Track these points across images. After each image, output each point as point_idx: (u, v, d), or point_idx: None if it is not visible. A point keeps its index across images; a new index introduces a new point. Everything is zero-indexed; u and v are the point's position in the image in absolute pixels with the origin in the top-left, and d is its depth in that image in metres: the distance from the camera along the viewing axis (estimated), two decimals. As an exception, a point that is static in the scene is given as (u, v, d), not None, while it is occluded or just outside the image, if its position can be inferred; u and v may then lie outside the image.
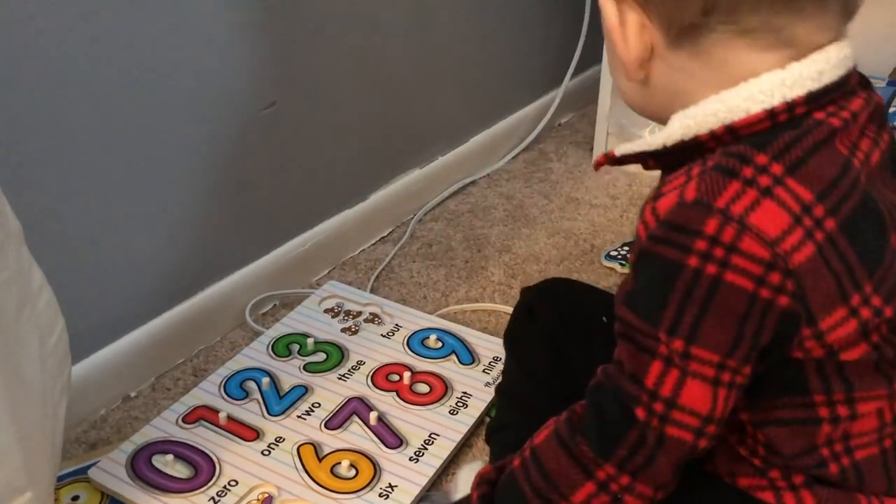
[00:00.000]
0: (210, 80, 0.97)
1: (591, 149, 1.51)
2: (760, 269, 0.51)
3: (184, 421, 0.89)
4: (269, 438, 0.87)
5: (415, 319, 1.05)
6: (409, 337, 1.02)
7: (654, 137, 0.58)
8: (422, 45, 1.27)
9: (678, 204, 0.53)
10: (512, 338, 0.89)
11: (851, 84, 0.56)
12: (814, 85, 0.53)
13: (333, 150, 1.17)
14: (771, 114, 0.53)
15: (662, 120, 0.60)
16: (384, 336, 1.02)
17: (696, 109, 0.55)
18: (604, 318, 0.80)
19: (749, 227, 0.50)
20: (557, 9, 1.52)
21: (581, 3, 1.45)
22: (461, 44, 1.35)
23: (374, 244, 1.26)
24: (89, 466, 0.84)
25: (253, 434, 0.87)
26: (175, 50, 0.92)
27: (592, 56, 1.50)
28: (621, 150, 0.62)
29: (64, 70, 0.82)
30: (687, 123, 0.56)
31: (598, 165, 0.66)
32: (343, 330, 1.03)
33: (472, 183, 1.43)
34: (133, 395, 0.98)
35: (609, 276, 1.19)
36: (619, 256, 1.22)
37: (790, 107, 0.53)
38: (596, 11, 1.43)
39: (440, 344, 1.01)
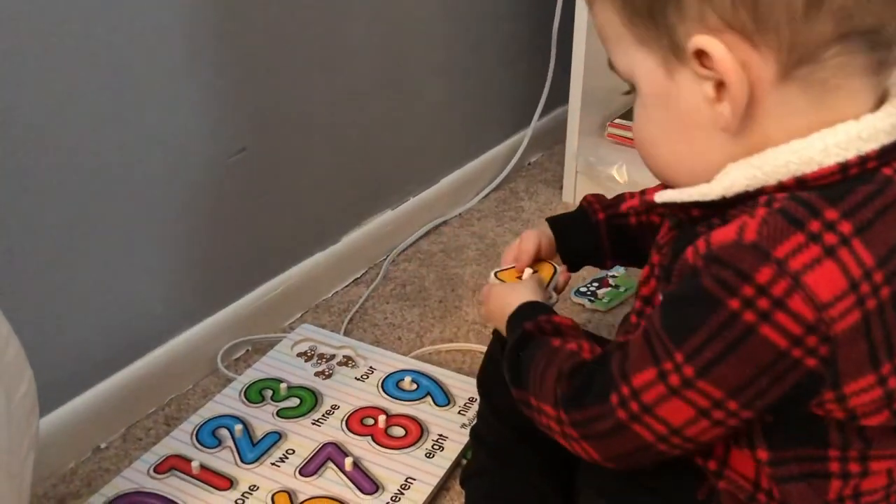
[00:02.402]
0: (179, 127, 0.97)
1: (561, 187, 1.53)
2: (801, 330, 0.49)
3: (155, 471, 0.87)
4: (243, 487, 0.85)
5: (389, 361, 1.05)
6: (384, 379, 1.01)
7: (710, 187, 0.54)
8: (391, 88, 1.28)
9: (735, 242, 0.50)
10: (485, 380, 0.87)
11: None
12: (887, 139, 0.51)
13: (304, 194, 1.17)
14: (843, 167, 0.51)
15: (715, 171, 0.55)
16: (358, 379, 1.02)
17: (763, 159, 0.52)
18: None
19: (802, 286, 0.48)
20: (524, 50, 1.54)
21: (547, 45, 1.47)
22: (430, 86, 1.37)
23: (347, 286, 1.26)
24: (58, 522, 0.82)
25: (226, 483, 0.86)
26: (144, 97, 0.92)
27: (559, 96, 1.52)
28: (664, 197, 0.57)
29: (29, 117, 0.82)
30: (753, 174, 0.52)
31: (626, 209, 0.65)
32: (317, 374, 1.03)
33: (444, 223, 1.43)
34: (103, 445, 0.96)
35: (580, 312, 1.20)
36: (589, 293, 1.23)
37: (863, 160, 0.51)
38: (562, 51, 1.46)
39: (415, 386, 1.00)
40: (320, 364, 1.04)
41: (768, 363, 0.50)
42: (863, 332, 0.50)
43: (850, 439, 0.55)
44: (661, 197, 0.57)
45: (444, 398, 0.98)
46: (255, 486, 0.85)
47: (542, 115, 1.56)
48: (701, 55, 0.50)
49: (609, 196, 0.86)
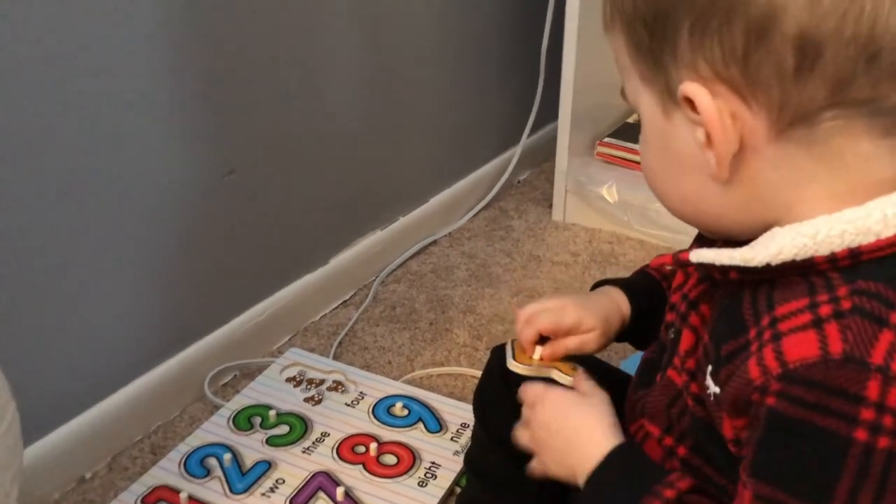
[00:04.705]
0: (165, 151, 0.95)
1: (550, 206, 1.52)
2: None
3: (143, 502, 0.85)
4: (232, 519, 0.84)
5: (380, 386, 1.03)
6: (375, 405, 1.00)
7: (753, 252, 0.50)
8: (379, 107, 1.27)
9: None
10: (481, 403, 0.86)
11: None
12: None
13: (292, 216, 1.16)
14: None
15: (741, 233, 0.52)
16: (348, 405, 1.00)
17: (814, 226, 0.48)
18: None
19: None
20: (513, 68, 1.54)
21: (536, 62, 1.47)
22: (418, 105, 1.36)
23: (335, 308, 1.24)
24: (41, 557, 0.80)
25: (215, 515, 0.84)
26: (132, 120, 0.90)
27: (549, 114, 1.52)
28: (700, 257, 0.53)
29: (15, 144, 0.80)
30: (804, 243, 0.48)
31: (656, 264, 0.59)
32: (306, 399, 1.01)
33: (434, 243, 1.42)
34: (88, 476, 0.94)
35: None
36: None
37: None
38: (551, 70, 1.46)
39: (406, 412, 0.99)
40: (310, 389, 1.03)
41: None
42: None
43: None
44: (697, 257, 0.53)
45: (436, 424, 0.97)
46: (244, 517, 0.84)
47: (532, 133, 1.55)
48: (690, 102, 0.49)
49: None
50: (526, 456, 0.77)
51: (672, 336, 0.61)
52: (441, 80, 1.39)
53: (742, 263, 0.50)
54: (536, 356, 0.70)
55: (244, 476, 0.89)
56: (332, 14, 1.12)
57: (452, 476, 0.90)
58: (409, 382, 1.06)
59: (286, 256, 1.17)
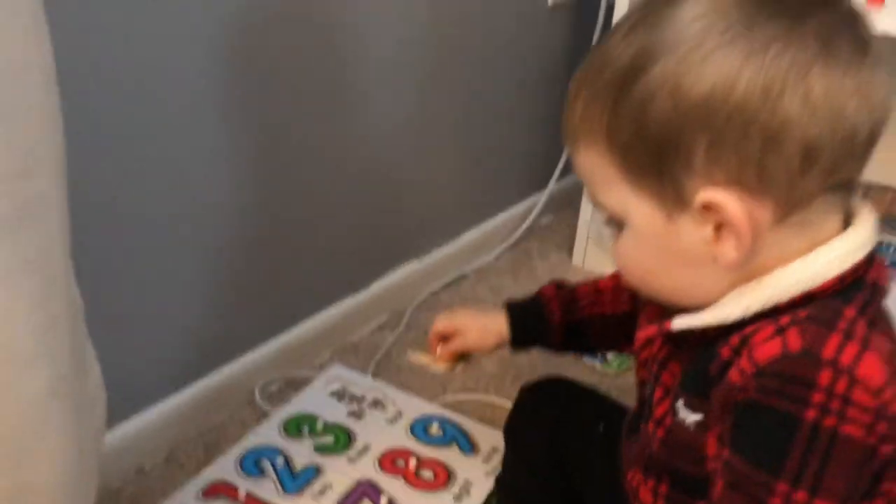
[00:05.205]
0: (220, 179, 1.04)
1: (571, 251, 1.62)
2: (870, 418, 0.53)
3: (203, 495, 0.93)
4: (286, 517, 0.92)
5: (416, 406, 1.12)
6: (413, 424, 1.08)
7: (729, 310, 0.59)
8: (421, 146, 1.36)
9: (783, 355, 0.55)
10: (512, 432, 0.93)
11: None
12: (866, 250, 0.59)
13: (339, 241, 1.25)
14: (841, 278, 0.57)
15: (711, 303, 0.60)
16: (388, 422, 1.08)
17: (775, 280, 0.58)
18: (600, 426, 0.85)
19: (858, 380, 0.53)
20: (548, 115, 1.64)
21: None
22: (457, 145, 1.45)
23: (372, 331, 1.33)
24: (112, 537, 0.88)
25: (270, 512, 0.92)
26: (193, 146, 0.99)
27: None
28: (681, 324, 0.62)
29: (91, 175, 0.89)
30: (768, 295, 0.58)
31: (643, 337, 0.68)
32: (349, 413, 1.09)
33: (463, 277, 1.51)
34: (147, 468, 1.02)
35: (591, 373, 1.28)
36: (599, 355, 1.30)
37: (855, 270, 0.58)
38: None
39: (442, 432, 1.07)
40: (352, 404, 1.11)
41: (858, 458, 0.54)
42: None
43: None
44: (679, 325, 0.62)
45: (468, 446, 1.05)
46: (297, 516, 0.92)
47: (560, 178, 1.65)
48: (708, 206, 0.56)
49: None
50: (556, 481, 0.86)
51: (648, 392, 0.70)
52: (479, 123, 1.49)
53: (720, 322, 0.59)
54: (438, 350, 0.95)
55: (295, 478, 0.97)
56: (377, 48, 1.19)
57: (484, 494, 0.98)
58: (443, 406, 1.15)
59: (332, 279, 1.26)
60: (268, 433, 1.04)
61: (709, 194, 0.56)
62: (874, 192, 1.47)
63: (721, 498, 0.59)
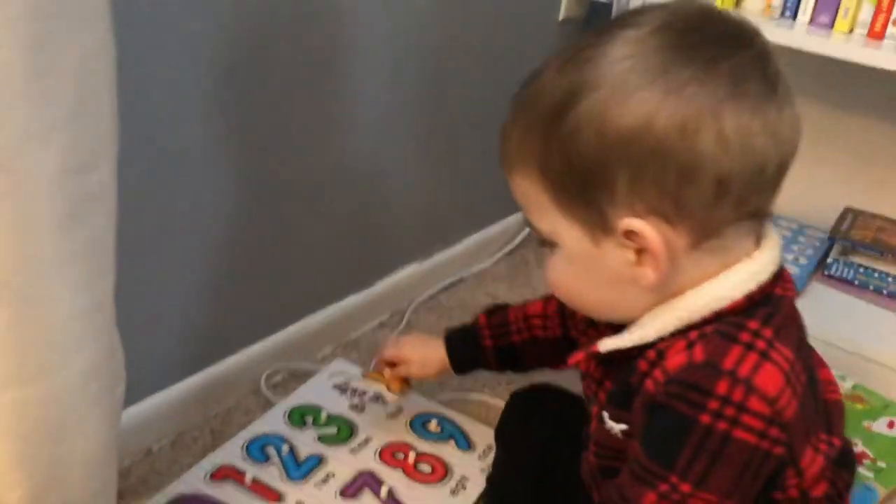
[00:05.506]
0: (228, 168, 1.08)
1: (567, 259, 1.66)
2: (763, 424, 0.59)
3: (211, 478, 0.97)
4: (291, 501, 0.95)
5: (416, 403, 1.16)
6: (412, 420, 1.12)
7: (648, 331, 0.65)
8: (426, 154, 1.41)
9: (688, 365, 0.61)
10: (503, 435, 0.98)
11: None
12: (773, 267, 0.66)
13: (344, 239, 1.29)
14: (749, 297, 0.64)
15: (635, 318, 0.66)
16: (389, 417, 1.12)
17: (686, 302, 0.64)
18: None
19: (755, 389, 0.59)
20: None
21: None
22: (461, 154, 1.49)
23: (373, 328, 1.37)
24: (123, 513, 0.91)
25: (276, 496, 0.96)
26: (202, 142, 1.03)
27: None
28: (608, 346, 0.68)
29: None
30: (681, 316, 0.64)
31: (573, 362, 0.73)
32: (351, 406, 1.13)
33: (461, 280, 1.55)
34: (155, 449, 1.05)
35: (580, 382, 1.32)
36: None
37: (762, 288, 0.64)
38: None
39: (440, 428, 1.11)
40: (354, 398, 1.15)
41: (747, 460, 0.60)
42: (802, 414, 0.62)
43: None
44: (606, 346, 0.68)
45: (465, 443, 1.10)
46: (301, 501, 0.95)
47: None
48: (629, 233, 0.62)
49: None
50: (545, 483, 0.90)
51: (590, 408, 0.76)
52: (484, 133, 1.53)
53: (641, 342, 0.65)
54: (386, 375, 1.05)
55: (299, 466, 1.01)
56: (382, 55, 1.22)
57: (478, 490, 1.02)
58: (439, 403, 1.19)
59: (336, 277, 1.30)
60: (273, 421, 1.08)
61: (630, 223, 0.61)
62: (861, 219, 1.53)
63: (622, 483, 0.66)
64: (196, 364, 1.11)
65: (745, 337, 0.61)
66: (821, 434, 0.67)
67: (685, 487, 0.61)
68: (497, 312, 0.99)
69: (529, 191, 0.66)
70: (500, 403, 1.13)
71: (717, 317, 0.63)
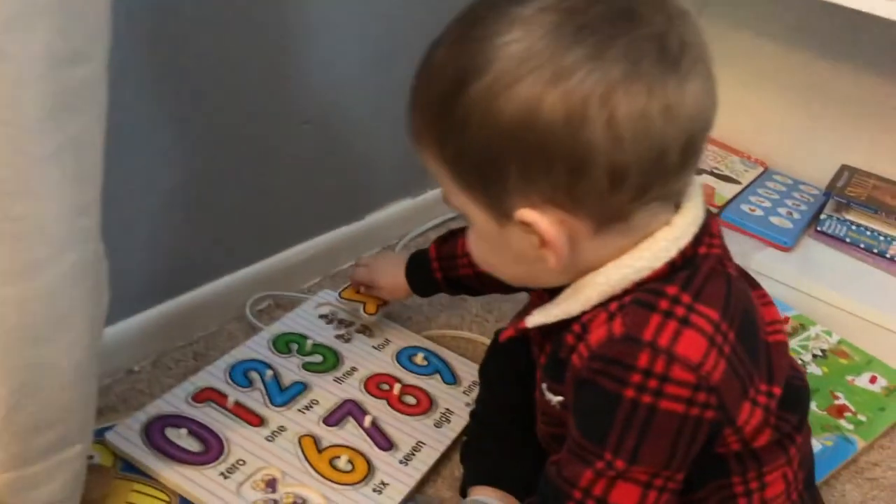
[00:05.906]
0: (243, 92, 1.05)
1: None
2: (689, 391, 0.59)
3: (193, 399, 0.96)
4: (273, 426, 0.94)
5: (403, 336, 1.15)
6: (399, 352, 1.11)
7: (571, 305, 0.65)
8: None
9: (608, 339, 0.61)
10: (487, 372, 0.98)
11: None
12: (694, 229, 0.64)
13: (337, 174, 1.26)
14: (671, 264, 0.63)
15: (557, 286, 0.67)
16: (375, 348, 1.11)
17: (606, 276, 0.63)
18: None
19: (676, 357, 0.59)
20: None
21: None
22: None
23: (362, 261, 1.35)
24: (102, 430, 0.90)
25: (258, 420, 0.95)
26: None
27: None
28: (534, 321, 0.68)
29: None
30: (602, 290, 0.63)
31: (504, 338, 0.74)
32: (337, 336, 1.12)
33: (453, 219, 1.53)
34: (136, 369, 1.04)
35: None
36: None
37: (682, 253, 0.63)
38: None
39: (426, 362, 1.10)
40: (340, 328, 1.14)
41: (678, 429, 0.60)
42: (732, 373, 0.62)
43: (746, 464, 0.68)
44: (533, 322, 0.69)
45: (451, 377, 1.09)
46: (283, 427, 0.94)
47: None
48: (525, 224, 0.61)
49: None
50: (523, 417, 0.89)
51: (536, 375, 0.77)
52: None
53: (565, 317, 0.66)
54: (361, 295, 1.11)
55: (283, 392, 1.00)
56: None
57: (462, 424, 1.01)
58: (427, 338, 1.18)
59: (327, 206, 1.28)
60: (257, 347, 1.06)
61: (524, 214, 0.60)
62: (857, 177, 1.52)
63: (561, 461, 0.66)
64: (180, 287, 1.09)
65: (663, 304, 0.60)
66: (760, 385, 0.66)
67: (619, 464, 0.61)
68: (448, 241, 1.00)
69: (435, 168, 0.65)
70: (487, 341, 1.13)
71: (638, 287, 0.63)
